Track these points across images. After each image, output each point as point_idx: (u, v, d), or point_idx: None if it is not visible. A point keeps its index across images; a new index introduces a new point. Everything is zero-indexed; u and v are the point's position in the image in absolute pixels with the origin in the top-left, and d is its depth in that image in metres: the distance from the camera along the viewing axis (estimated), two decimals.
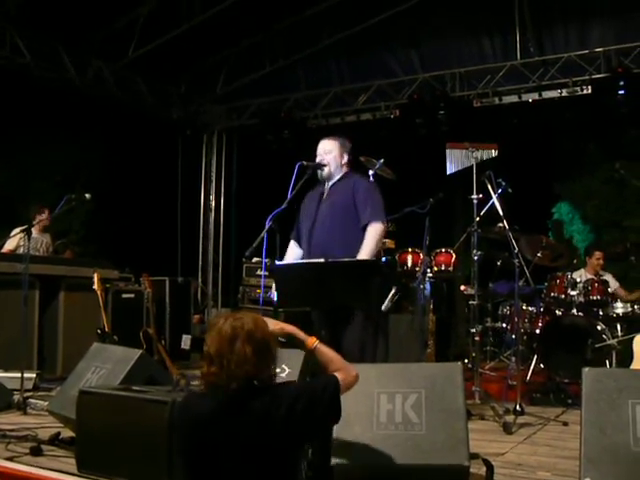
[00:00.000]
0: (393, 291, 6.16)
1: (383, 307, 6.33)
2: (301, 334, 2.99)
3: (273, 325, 2.86)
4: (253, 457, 2.60)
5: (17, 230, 7.53)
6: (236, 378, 2.58)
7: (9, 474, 3.59)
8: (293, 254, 4.95)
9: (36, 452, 4.07)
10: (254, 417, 2.59)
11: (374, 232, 4.72)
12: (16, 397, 5.58)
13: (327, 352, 2.94)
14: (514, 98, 9.98)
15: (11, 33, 9.22)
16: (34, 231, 7.26)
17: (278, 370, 3.93)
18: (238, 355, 2.58)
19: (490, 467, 3.48)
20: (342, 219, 4.76)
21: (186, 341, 7.57)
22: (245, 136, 12.63)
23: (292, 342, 3.05)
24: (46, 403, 5.24)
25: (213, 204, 12.71)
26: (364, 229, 4.73)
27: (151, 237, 10.98)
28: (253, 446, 2.60)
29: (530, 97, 9.86)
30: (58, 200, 6.56)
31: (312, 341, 2.94)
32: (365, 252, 4.59)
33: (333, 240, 4.69)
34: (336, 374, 2.82)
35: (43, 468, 3.71)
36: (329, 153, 4.93)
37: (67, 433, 4.35)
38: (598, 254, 8.18)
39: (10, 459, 3.91)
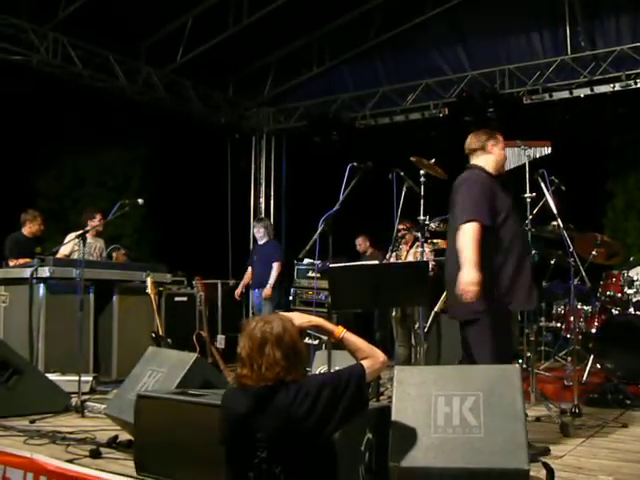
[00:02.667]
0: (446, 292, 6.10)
1: (436, 308, 6.32)
2: (328, 325, 3.10)
3: (300, 319, 2.99)
4: (282, 450, 2.70)
5: (72, 235, 7.66)
6: (267, 380, 2.72)
7: (70, 476, 3.65)
8: None
9: (95, 455, 4.13)
10: (281, 410, 2.69)
11: None
12: (74, 400, 5.67)
13: (355, 341, 3.03)
14: (565, 94, 9.85)
15: (63, 43, 9.42)
16: (88, 236, 7.38)
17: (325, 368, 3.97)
18: (268, 359, 2.72)
19: (551, 471, 3.41)
20: None
21: (221, 340, 7.70)
22: (293, 138, 12.68)
23: (321, 333, 3.25)
24: (103, 406, 5.31)
25: (263, 207, 12.79)
26: None
27: (202, 240, 11.08)
28: (281, 439, 2.70)
29: (582, 92, 9.71)
30: (111, 205, 6.65)
31: (339, 331, 3.04)
32: None
33: None
34: (363, 362, 2.93)
35: (103, 470, 3.75)
36: None
37: (124, 436, 4.40)
38: None
39: (70, 461, 3.96)
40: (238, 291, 9.39)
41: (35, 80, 9.75)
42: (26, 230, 8.29)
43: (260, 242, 9.29)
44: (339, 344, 3.10)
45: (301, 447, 2.71)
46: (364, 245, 10.00)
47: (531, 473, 3.21)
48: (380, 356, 2.98)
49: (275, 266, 8.86)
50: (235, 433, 2.78)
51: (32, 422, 5.11)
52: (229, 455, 2.84)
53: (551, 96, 9.93)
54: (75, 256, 7.69)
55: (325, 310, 7.57)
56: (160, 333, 6.89)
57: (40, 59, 9.33)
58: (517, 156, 6.16)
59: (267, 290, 8.76)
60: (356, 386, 2.81)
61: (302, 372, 2.87)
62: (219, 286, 9.88)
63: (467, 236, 4.21)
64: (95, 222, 8.10)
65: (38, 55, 9.26)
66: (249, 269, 9.36)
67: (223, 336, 8.11)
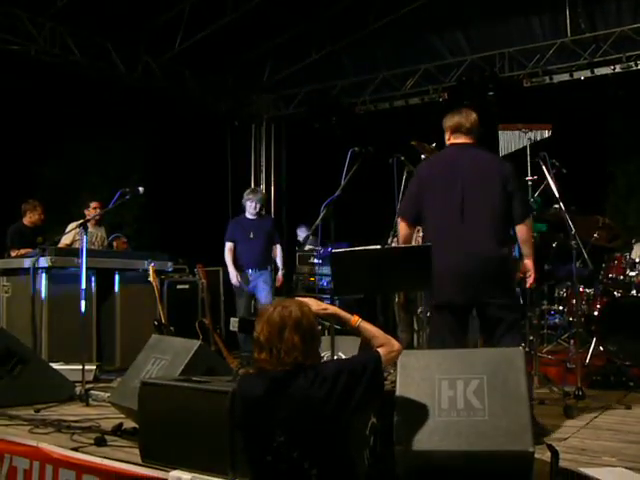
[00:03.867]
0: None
1: None
2: (344, 313, 3.13)
3: (316, 306, 3.02)
4: (300, 434, 2.72)
5: (73, 225, 7.67)
6: (285, 364, 2.73)
7: (76, 464, 3.66)
8: None
9: (100, 442, 4.14)
10: (298, 395, 2.71)
11: None
12: (78, 389, 5.69)
13: (370, 329, 3.06)
14: (565, 76, 9.83)
15: (61, 32, 9.38)
16: (89, 225, 7.38)
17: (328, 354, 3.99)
18: (287, 344, 2.73)
19: (555, 453, 3.41)
20: None
21: (234, 323, 7.63)
22: (293, 124, 12.65)
23: (335, 321, 3.31)
24: (107, 394, 5.33)
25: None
26: None
27: (203, 228, 11.06)
28: (299, 423, 2.72)
29: (582, 75, 9.68)
30: (111, 195, 6.63)
31: (355, 319, 3.09)
32: None
33: None
34: (379, 349, 2.95)
35: (108, 458, 3.77)
36: None
37: (129, 424, 4.41)
38: None
39: (76, 449, 3.97)
40: (235, 277, 8.06)
41: (34, 70, 9.71)
42: (27, 220, 8.30)
43: (251, 216, 8.25)
44: (354, 332, 3.13)
45: (319, 432, 2.72)
46: (302, 236, 10.10)
47: (536, 455, 3.21)
48: (395, 344, 3.02)
49: (279, 248, 8.27)
50: (252, 417, 2.80)
51: (37, 411, 5.12)
52: (245, 440, 2.85)
53: (551, 79, 9.90)
54: (76, 245, 7.69)
55: (328, 296, 7.56)
56: (163, 321, 6.90)
57: (38, 49, 9.29)
58: (518, 139, 6.17)
59: (280, 277, 8.26)
60: (372, 372, 2.84)
61: (318, 357, 2.90)
62: (220, 273, 9.87)
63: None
64: (90, 210, 8.12)
65: (36, 45, 9.23)
66: (230, 245, 8.19)
67: (237, 319, 8.00)
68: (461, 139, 4.67)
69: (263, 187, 12.84)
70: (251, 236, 8.09)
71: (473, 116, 4.68)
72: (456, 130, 4.67)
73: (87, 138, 11.60)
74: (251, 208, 8.21)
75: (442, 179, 4.56)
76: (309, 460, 2.69)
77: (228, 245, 8.19)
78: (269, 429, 2.72)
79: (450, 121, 4.70)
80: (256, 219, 8.26)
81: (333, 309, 3.14)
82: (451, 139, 4.70)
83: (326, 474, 2.71)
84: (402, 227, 4.67)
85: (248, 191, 8.49)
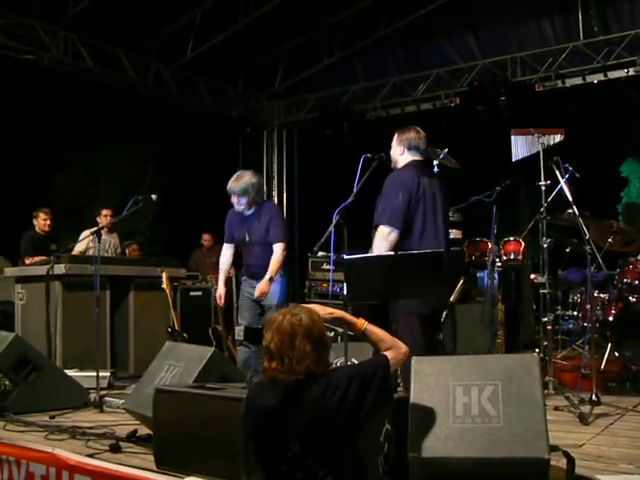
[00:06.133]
0: (461, 281, 6.13)
1: (451, 298, 6.31)
2: (350, 317, 3.11)
3: (322, 311, 2.98)
4: (314, 443, 2.70)
5: (87, 232, 7.71)
6: (297, 373, 2.71)
7: (91, 471, 3.67)
8: None
9: (115, 449, 4.15)
10: (313, 403, 2.70)
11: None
12: (92, 395, 5.71)
13: (377, 332, 3.04)
14: (578, 80, 9.76)
15: (74, 41, 9.44)
16: (102, 232, 7.41)
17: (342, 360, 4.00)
18: (298, 352, 2.71)
19: (571, 460, 3.39)
20: None
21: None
22: (305, 131, 12.66)
23: (342, 326, 3.35)
24: (121, 401, 5.34)
25: (276, 200, 12.75)
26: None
27: (216, 235, 11.09)
28: (313, 432, 2.70)
29: (595, 78, 9.62)
30: (124, 202, 6.66)
31: (361, 323, 3.06)
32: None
33: None
34: (386, 353, 2.94)
35: (123, 465, 3.77)
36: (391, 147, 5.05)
37: (143, 430, 4.41)
38: None
39: (91, 456, 3.98)
40: (221, 291, 6.39)
41: (47, 78, 9.78)
42: (37, 227, 8.36)
43: (247, 211, 6.15)
44: (360, 336, 3.10)
45: (333, 439, 2.71)
46: (210, 240, 10.41)
47: (551, 462, 3.19)
48: (402, 347, 3.00)
49: (279, 248, 5.92)
50: (265, 427, 2.78)
51: (52, 418, 5.14)
52: (258, 449, 2.84)
53: (564, 83, 9.84)
54: (90, 253, 7.72)
55: (341, 302, 7.54)
56: (176, 328, 6.91)
57: (51, 58, 9.35)
58: (531, 144, 6.14)
59: (261, 285, 5.88)
60: (382, 376, 2.83)
61: (328, 364, 2.87)
62: (233, 280, 9.87)
63: None
64: (102, 218, 8.16)
65: (49, 54, 9.29)
66: (226, 248, 6.45)
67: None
68: (418, 157, 4.97)
69: (275, 194, 12.81)
70: (247, 239, 6.14)
71: (424, 136, 5.03)
72: (414, 148, 4.97)
73: (99, 145, 11.70)
74: (238, 206, 6.14)
75: (424, 192, 4.81)
76: (324, 468, 2.68)
77: (224, 247, 6.49)
78: (283, 439, 2.71)
79: (406, 137, 5.01)
80: (253, 213, 6.15)
81: (339, 313, 3.11)
82: (407, 155, 4.97)
83: None
84: (394, 237, 4.74)
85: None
